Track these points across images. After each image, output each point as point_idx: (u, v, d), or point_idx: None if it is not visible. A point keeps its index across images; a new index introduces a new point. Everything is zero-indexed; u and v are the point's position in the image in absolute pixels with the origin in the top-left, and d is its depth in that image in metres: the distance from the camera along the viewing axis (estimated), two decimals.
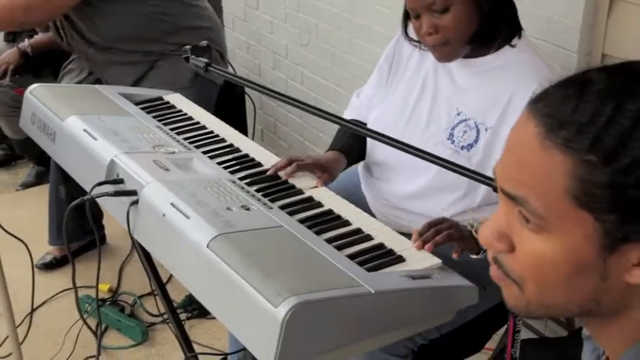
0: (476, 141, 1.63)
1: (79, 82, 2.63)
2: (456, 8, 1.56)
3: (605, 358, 0.89)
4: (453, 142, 1.66)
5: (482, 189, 1.59)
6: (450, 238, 1.47)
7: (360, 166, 1.91)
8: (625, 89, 0.71)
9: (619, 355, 0.80)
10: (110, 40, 2.47)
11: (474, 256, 1.51)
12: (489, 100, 1.63)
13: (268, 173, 1.66)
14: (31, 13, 2.34)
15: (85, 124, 1.74)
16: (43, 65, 3.07)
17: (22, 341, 2.27)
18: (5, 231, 2.16)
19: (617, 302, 0.77)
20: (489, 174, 1.59)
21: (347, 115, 1.92)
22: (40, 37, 3.00)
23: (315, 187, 1.65)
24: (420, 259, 1.44)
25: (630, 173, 0.68)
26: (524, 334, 1.57)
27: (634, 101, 0.69)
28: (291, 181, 1.66)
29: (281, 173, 1.66)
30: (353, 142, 1.81)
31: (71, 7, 2.37)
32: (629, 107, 0.68)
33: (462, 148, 1.64)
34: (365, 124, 1.83)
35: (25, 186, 3.44)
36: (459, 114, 1.67)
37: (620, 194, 0.69)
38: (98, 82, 2.56)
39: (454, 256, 1.49)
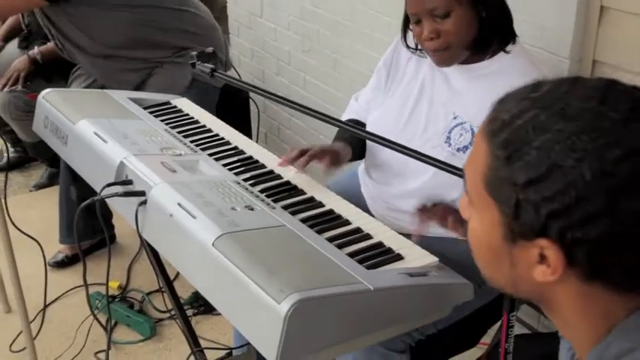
0: (471, 143, 1.62)
1: (87, 87, 2.64)
2: (456, 13, 1.55)
3: (577, 358, 0.90)
4: (449, 144, 1.65)
5: None
6: (447, 215, 1.51)
7: (359, 169, 1.91)
8: (551, 102, 0.76)
9: (585, 355, 0.82)
10: (105, 48, 2.47)
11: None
12: (484, 103, 1.58)
13: (278, 164, 1.66)
14: None
15: (96, 127, 1.74)
16: (54, 71, 3.07)
17: (36, 336, 2.28)
18: (19, 230, 2.17)
19: (539, 295, 0.82)
20: None
21: (345, 116, 1.92)
22: (50, 45, 3.00)
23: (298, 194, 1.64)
24: (417, 257, 1.44)
25: (519, 176, 0.74)
26: (518, 329, 1.56)
27: (550, 113, 0.74)
28: (294, 182, 1.66)
29: (294, 166, 1.65)
30: (355, 138, 1.81)
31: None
32: (542, 117, 0.74)
33: (458, 150, 1.64)
34: (364, 126, 1.82)
35: (38, 187, 3.43)
36: (455, 117, 1.66)
37: (512, 192, 0.75)
38: (104, 86, 2.55)
39: (451, 230, 1.51)
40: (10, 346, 2.37)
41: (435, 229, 1.62)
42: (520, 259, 0.78)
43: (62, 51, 2.59)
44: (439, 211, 1.54)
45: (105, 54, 2.48)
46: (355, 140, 1.80)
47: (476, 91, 1.64)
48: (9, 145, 3.42)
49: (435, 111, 1.70)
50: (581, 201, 0.71)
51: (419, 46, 1.68)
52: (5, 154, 3.16)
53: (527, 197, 0.74)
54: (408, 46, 1.72)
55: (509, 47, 1.63)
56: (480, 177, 0.79)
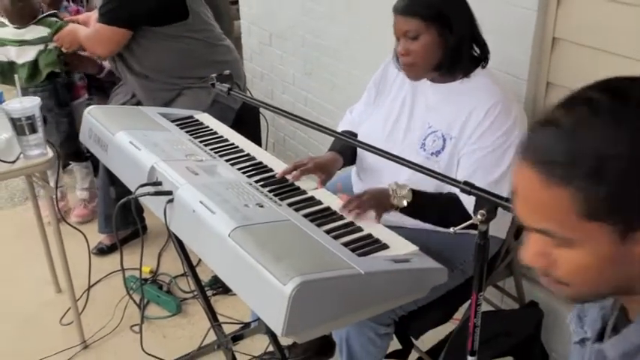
0: (442, 148, 1.62)
1: (124, 103, 2.62)
2: (424, 37, 1.56)
3: (619, 308, 0.86)
4: (424, 149, 1.65)
5: (447, 187, 1.57)
6: (369, 207, 1.52)
7: (352, 172, 1.90)
8: (579, 126, 0.70)
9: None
10: (148, 70, 2.47)
11: (393, 212, 1.54)
12: (453, 115, 1.62)
13: (277, 177, 1.66)
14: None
15: (131, 138, 1.74)
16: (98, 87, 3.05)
17: (81, 312, 2.28)
18: (68, 224, 2.19)
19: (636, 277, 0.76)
20: (453, 175, 1.60)
21: (341, 126, 1.91)
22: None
23: (316, 188, 1.64)
24: (400, 246, 1.44)
25: (606, 184, 0.68)
26: (485, 306, 1.56)
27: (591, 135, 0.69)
28: (297, 183, 1.65)
29: (288, 177, 1.65)
30: (347, 146, 1.80)
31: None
32: (593, 135, 0.68)
33: (432, 154, 1.63)
34: (356, 135, 1.82)
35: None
36: (429, 127, 1.66)
37: (613, 199, 0.68)
38: (139, 103, 2.56)
39: (375, 220, 1.52)
40: (61, 320, 2.37)
41: (416, 222, 1.62)
42: (631, 251, 0.72)
43: (115, 68, 2.59)
44: (364, 202, 1.53)
45: (146, 74, 2.48)
46: (347, 149, 1.80)
47: (447, 105, 1.64)
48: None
49: (413, 122, 1.70)
50: None
51: None
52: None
53: (627, 196, 0.68)
54: (397, 60, 1.71)
55: (477, 71, 1.64)
56: (573, 216, 0.71)
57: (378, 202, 1.53)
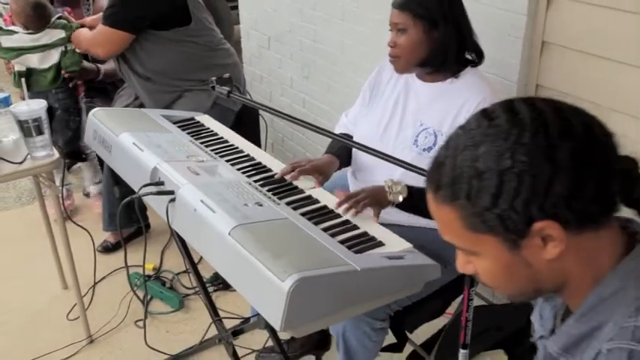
0: (434, 144, 1.62)
1: (127, 105, 2.61)
2: (410, 32, 1.59)
3: (565, 308, 0.88)
4: (417, 145, 1.65)
5: None
6: (366, 206, 1.51)
7: (348, 173, 1.90)
8: (455, 148, 0.77)
9: (577, 302, 0.81)
10: (150, 72, 2.45)
11: (389, 208, 1.54)
12: (444, 112, 1.62)
13: (276, 177, 1.65)
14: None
15: (134, 139, 1.73)
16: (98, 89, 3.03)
17: (87, 308, 2.28)
18: (74, 222, 2.19)
19: (558, 274, 0.79)
20: None
21: (337, 129, 1.90)
22: (110, 66, 2.88)
23: (314, 187, 1.64)
24: (395, 244, 1.44)
25: (485, 201, 0.73)
26: (477, 301, 1.55)
27: (463, 152, 0.75)
28: (295, 182, 1.64)
29: (287, 177, 1.65)
30: (343, 149, 1.80)
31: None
32: (460, 158, 0.75)
33: (424, 150, 1.63)
34: (351, 137, 1.81)
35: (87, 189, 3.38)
36: (421, 124, 1.66)
37: (491, 214, 0.73)
38: (141, 105, 2.54)
39: (372, 220, 1.51)
40: (67, 315, 2.36)
41: (411, 220, 1.61)
42: (531, 254, 0.75)
43: (119, 69, 2.57)
44: (361, 199, 1.53)
45: (148, 76, 2.46)
46: (343, 151, 1.80)
47: (438, 103, 1.64)
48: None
49: (406, 120, 1.70)
50: (534, 177, 0.70)
51: None
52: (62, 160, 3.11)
53: (502, 208, 0.72)
54: None
55: (467, 70, 1.63)
56: (461, 229, 0.77)
57: (375, 199, 1.52)
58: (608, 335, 0.75)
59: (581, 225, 0.74)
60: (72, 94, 2.78)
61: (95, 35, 2.47)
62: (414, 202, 1.54)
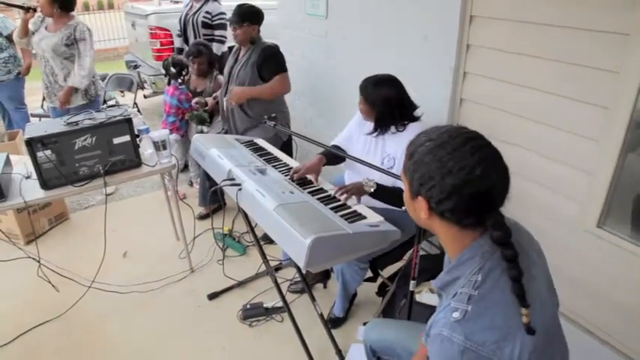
0: (393, 165, 1.60)
1: (217, 133, 2.53)
2: (364, 104, 1.60)
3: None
4: (383, 165, 1.62)
5: (399, 182, 1.55)
6: (352, 194, 1.50)
7: (345, 174, 1.86)
8: (414, 147, 0.81)
9: (451, 260, 0.81)
10: (253, 113, 2.30)
11: (366, 197, 1.52)
12: (396, 146, 1.61)
13: (288, 178, 1.62)
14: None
15: (219, 152, 1.73)
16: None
17: (190, 251, 2.26)
18: (182, 201, 2.20)
19: (430, 226, 0.80)
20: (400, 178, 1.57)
21: (331, 143, 1.82)
22: (213, 102, 2.74)
23: (318, 184, 1.61)
24: (373, 217, 1.42)
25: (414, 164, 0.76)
26: (421, 252, 1.55)
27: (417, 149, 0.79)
28: (309, 177, 1.62)
29: (294, 177, 1.62)
30: (331, 153, 1.73)
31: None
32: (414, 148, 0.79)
33: (388, 168, 1.61)
34: (341, 149, 1.76)
35: (191, 180, 3.37)
36: (386, 153, 1.64)
37: (415, 181, 0.76)
38: (227, 132, 2.47)
39: (356, 200, 1.50)
40: (179, 255, 2.34)
41: (383, 205, 1.58)
42: (417, 206, 0.78)
43: (224, 106, 2.38)
44: (349, 189, 1.51)
45: (248, 114, 2.31)
46: (329, 153, 1.73)
47: (394, 141, 1.61)
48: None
49: (377, 150, 1.67)
50: (432, 178, 0.74)
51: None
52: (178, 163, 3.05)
53: (412, 177, 0.77)
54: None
55: (411, 124, 1.61)
56: (404, 176, 0.81)
57: (357, 189, 1.51)
58: (461, 284, 0.75)
59: (442, 216, 0.76)
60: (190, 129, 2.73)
61: (276, 82, 2.17)
62: (381, 193, 1.52)
